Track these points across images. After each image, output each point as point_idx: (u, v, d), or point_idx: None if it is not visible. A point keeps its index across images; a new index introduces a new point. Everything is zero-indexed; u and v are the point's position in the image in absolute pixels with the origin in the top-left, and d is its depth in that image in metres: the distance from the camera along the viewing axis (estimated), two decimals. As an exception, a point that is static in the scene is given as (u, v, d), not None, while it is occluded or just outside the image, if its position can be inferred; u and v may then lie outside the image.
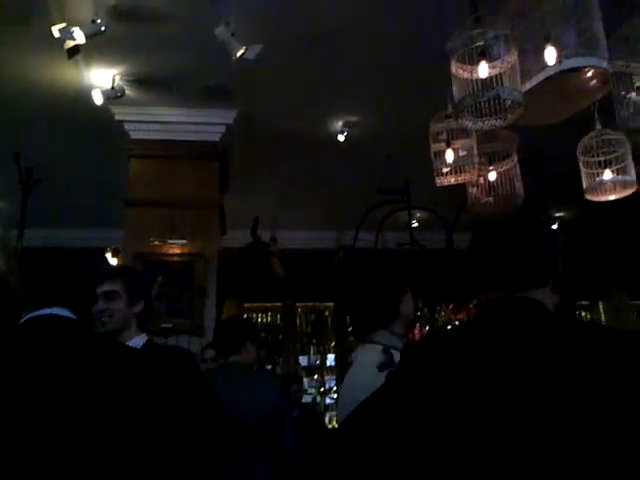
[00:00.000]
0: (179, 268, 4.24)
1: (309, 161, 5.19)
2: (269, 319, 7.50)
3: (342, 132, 4.76)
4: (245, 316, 6.96)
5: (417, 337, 7.58)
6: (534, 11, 2.42)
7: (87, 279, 1.62)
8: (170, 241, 4.22)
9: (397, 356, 1.63)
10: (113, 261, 5.59)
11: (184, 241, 4.23)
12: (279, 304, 7.37)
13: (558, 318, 1.05)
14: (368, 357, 1.65)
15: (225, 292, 4.83)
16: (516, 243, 1.13)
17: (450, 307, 6.61)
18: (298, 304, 7.47)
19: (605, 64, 2.32)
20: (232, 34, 3.16)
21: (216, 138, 4.47)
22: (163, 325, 4.07)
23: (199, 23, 3.30)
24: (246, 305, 7.11)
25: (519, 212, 1.25)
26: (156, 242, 4.20)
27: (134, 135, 4.45)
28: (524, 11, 2.45)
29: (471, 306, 6.97)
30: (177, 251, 4.25)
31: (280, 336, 7.42)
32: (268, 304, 7.38)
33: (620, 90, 2.47)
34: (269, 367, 7.20)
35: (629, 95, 2.45)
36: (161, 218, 4.26)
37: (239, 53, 3.12)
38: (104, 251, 5.73)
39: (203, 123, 4.42)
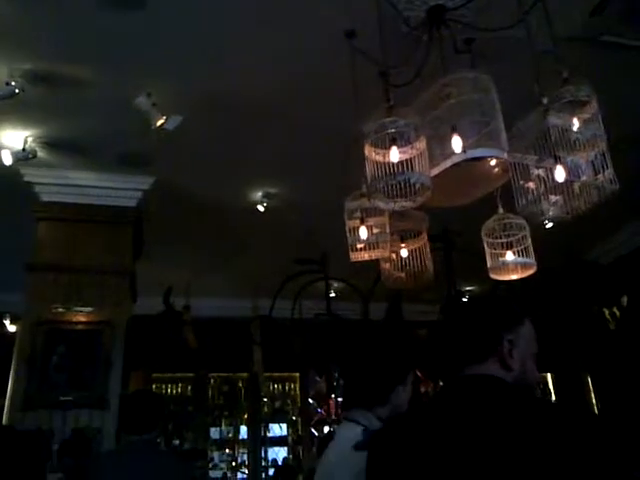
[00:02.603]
0: (84, 337, 4.02)
1: (227, 229, 5.19)
2: (179, 390, 7.20)
3: (262, 202, 4.81)
4: (154, 388, 6.67)
5: (331, 407, 7.57)
6: (443, 103, 2.60)
7: None
8: (75, 308, 4.01)
9: None
10: (12, 328, 5.24)
11: (90, 308, 4.04)
12: (190, 374, 7.11)
13: (513, 392, 1.18)
14: (347, 435, 1.65)
15: (133, 363, 4.62)
16: (454, 329, 1.34)
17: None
18: (211, 374, 7.23)
19: (505, 155, 2.51)
20: (153, 104, 3.18)
21: (132, 203, 4.39)
22: (62, 398, 3.83)
23: (118, 90, 3.29)
24: (155, 376, 6.81)
25: (466, 303, 1.43)
26: (60, 309, 3.98)
27: (44, 197, 4.29)
28: (433, 103, 2.63)
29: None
30: (82, 319, 4.03)
31: (190, 408, 7.12)
32: (179, 374, 7.09)
33: (518, 179, 2.66)
34: (177, 442, 6.85)
35: (527, 184, 2.64)
36: (67, 284, 4.05)
37: (159, 123, 3.13)
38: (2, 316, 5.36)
39: (118, 188, 4.34)
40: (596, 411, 6.69)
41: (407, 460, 1.15)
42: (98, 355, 4.02)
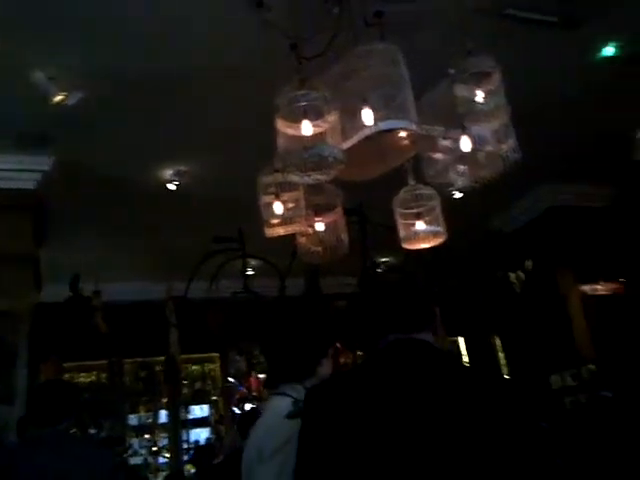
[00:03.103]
0: (-16, 330, 3.77)
1: (137, 210, 4.99)
2: (93, 378, 6.94)
3: (172, 181, 4.66)
4: (67, 377, 6.42)
5: (253, 385, 7.56)
6: (354, 76, 2.60)
7: None
8: (-28, 300, 3.74)
9: None
10: None
11: (-11, 299, 3.77)
12: (104, 362, 6.88)
13: (442, 355, 1.34)
14: (277, 406, 1.68)
15: (42, 353, 4.40)
16: (408, 298, 1.39)
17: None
18: (126, 360, 7.03)
19: (414, 127, 2.55)
20: (50, 79, 2.97)
21: (30, 186, 4.10)
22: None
23: (13, 66, 3.04)
24: (67, 365, 6.53)
25: (406, 276, 1.48)
26: (-45, 301, 3.69)
27: None
28: (345, 76, 2.62)
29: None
30: (-19, 310, 3.77)
31: (107, 395, 6.89)
32: (92, 362, 6.84)
33: (427, 150, 2.72)
34: (94, 430, 6.62)
35: (435, 155, 2.71)
36: (-38, 274, 3.77)
37: (57, 99, 2.94)
38: None
39: (14, 170, 4.03)
40: (506, 370, 7.11)
41: (349, 412, 1.20)
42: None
